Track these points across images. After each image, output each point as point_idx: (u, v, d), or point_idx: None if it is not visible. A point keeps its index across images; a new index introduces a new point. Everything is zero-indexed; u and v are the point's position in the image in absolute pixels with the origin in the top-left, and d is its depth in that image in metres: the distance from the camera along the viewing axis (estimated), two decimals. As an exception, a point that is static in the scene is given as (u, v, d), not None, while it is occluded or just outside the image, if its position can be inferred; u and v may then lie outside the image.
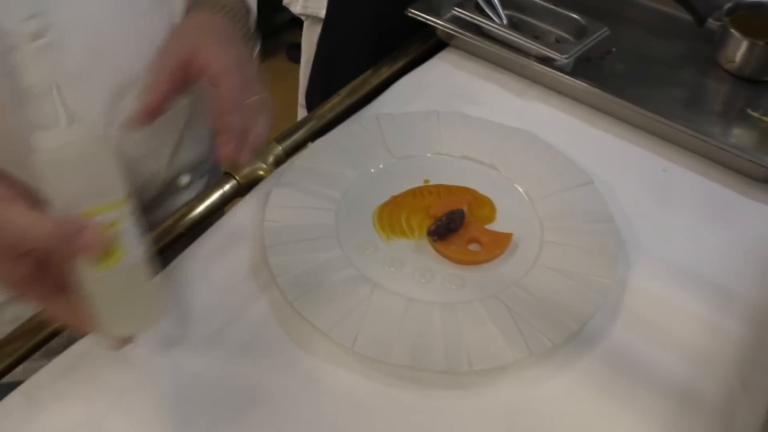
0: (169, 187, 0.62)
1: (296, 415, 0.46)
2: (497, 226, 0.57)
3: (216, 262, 0.54)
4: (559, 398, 0.48)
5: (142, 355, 0.48)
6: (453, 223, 0.55)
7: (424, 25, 0.76)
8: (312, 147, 0.62)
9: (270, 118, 0.47)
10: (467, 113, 0.67)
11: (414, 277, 0.53)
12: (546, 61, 0.72)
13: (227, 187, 0.61)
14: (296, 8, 1.12)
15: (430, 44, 0.78)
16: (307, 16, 1.12)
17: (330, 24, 0.94)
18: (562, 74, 0.70)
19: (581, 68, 0.73)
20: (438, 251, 0.55)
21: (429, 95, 0.71)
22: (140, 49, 0.51)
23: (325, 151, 0.62)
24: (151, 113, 0.46)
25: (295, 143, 0.66)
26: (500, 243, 0.55)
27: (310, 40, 1.13)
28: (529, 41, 0.71)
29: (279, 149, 0.65)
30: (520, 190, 0.60)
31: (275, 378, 0.48)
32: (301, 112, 1.18)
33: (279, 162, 0.64)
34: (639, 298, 0.53)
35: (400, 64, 0.76)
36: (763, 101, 0.72)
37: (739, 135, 0.68)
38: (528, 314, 0.50)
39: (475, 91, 0.72)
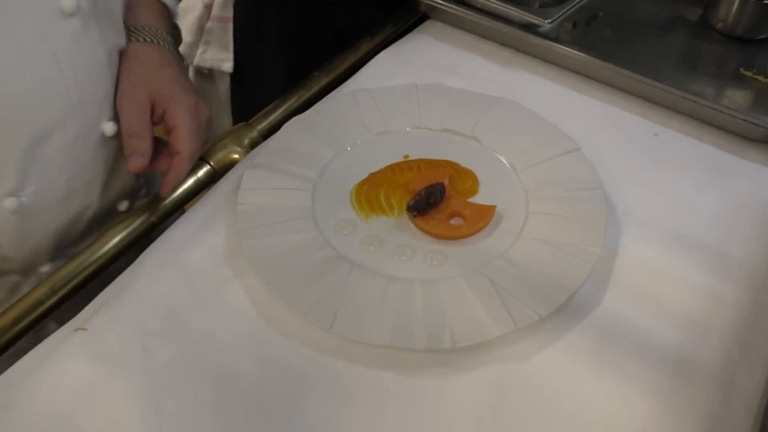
0: (106, 214, 0.61)
1: (274, 401, 0.44)
2: (480, 198, 0.55)
3: (189, 250, 0.52)
4: (548, 372, 0.45)
5: (113, 346, 0.46)
6: (433, 198, 0.53)
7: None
8: (286, 127, 0.60)
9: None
10: (449, 85, 0.64)
11: (394, 255, 0.51)
12: (529, 28, 0.69)
13: (201, 173, 0.59)
14: (194, 60, 0.89)
15: (409, 20, 0.76)
16: (209, 70, 0.90)
17: (241, 72, 0.86)
18: (546, 40, 0.68)
19: (567, 34, 0.70)
20: (419, 227, 0.53)
21: (409, 70, 0.69)
22: (58, 95, 0.50)
23: (300, 131, 0.59)
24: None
25: (271, 125, 0.64)
26: (483, 216, 0.53)
27: (198, 86, 0.92)
28: (511, 8, 0.68)
29: (254, 132, 0.63)
30: (504, 160, 0.58)
31: (251, 364, 0.46)
32: None
33: (254, 144, 0.62)
34: (630, 266, 0.51)
35: (378, 39, 0.74)
36: (756, 60, 0.69)
37: (733, 95, 0.66)
38: (513, 287, 0.48)
39: (457, 63, 0.70)
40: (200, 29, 0.84)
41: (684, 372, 0.45)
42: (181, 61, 0.58)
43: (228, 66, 0.84)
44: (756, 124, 0.60)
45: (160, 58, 0.56)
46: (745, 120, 0.61)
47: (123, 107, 0.53)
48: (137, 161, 0.52)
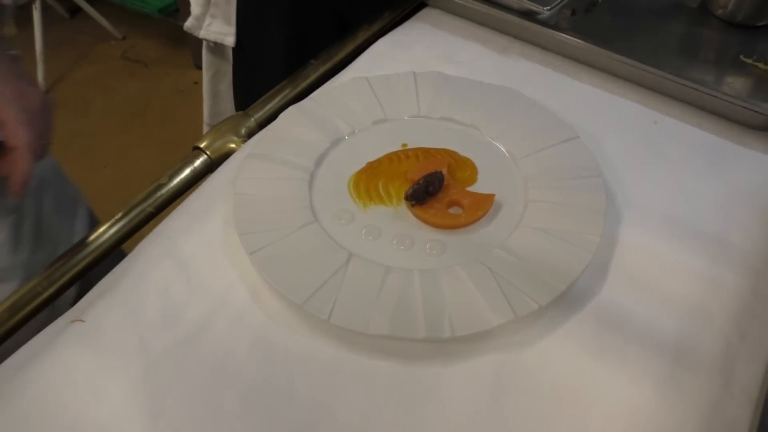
0: None
1: (273, 392, 0.44)
2: (479, 187, 0.55)
3: (186, 240, 0.52)
4: (547, 362, 0.45)
5: (110, 337, 0.46)
6: (431, 187, 0.52)
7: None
8: (283, 116, 0.59)
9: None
10: (447, 73, 0.64)
11: (392, 245, 0.51)
12: (528, 15, 0.69)
13: (197, 162, 0.59)
14: (200, 32, 0.89)
15: (407, 8, 0.75)
16: (217, 45, 0.91)
17: (242, 48, 0.86)
18: (545, 28, 0.67)
19: (566, 22, 0.70)
20: (417, 216, 0.52)
21: (407, 57, 0.68)
22: None
23: (297, 120, 0.59)
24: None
25: (268, 114, 0.63)
26: (482, 205, 0.52)
27: (211, 61, 0.94)
28: (510, -5, 0.68)
29: (251, 120, 0.62)
30: (503, 149, 0.58)
31: (249, 354, 0.45)
32: (205, 128, 1.01)
33: (251, 134, 0.61)
34: (630, 254, 0.51)
35: (375, 27, 0.73)
36: (757, 47, 0.69)
37: (733, 82, 0.65)
38: (513, 276, 0.47)
39: (455, 51, 0.69)
40: (208, 1, 0.84)
41: (684, 360, 0.45)
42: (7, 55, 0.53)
43: (230, 40, 0.85)
44: (756, 111, 0.60)
45: None
46: (745, 107, 0.60)
47: None
48: None
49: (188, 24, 0.87)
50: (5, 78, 0.52)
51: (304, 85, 0.66)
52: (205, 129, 0.92)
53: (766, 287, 0.49)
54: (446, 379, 0.45)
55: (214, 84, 0.94)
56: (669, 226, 0.53)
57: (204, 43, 0.90)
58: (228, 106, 0.94)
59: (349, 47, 0.71)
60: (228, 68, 0.91)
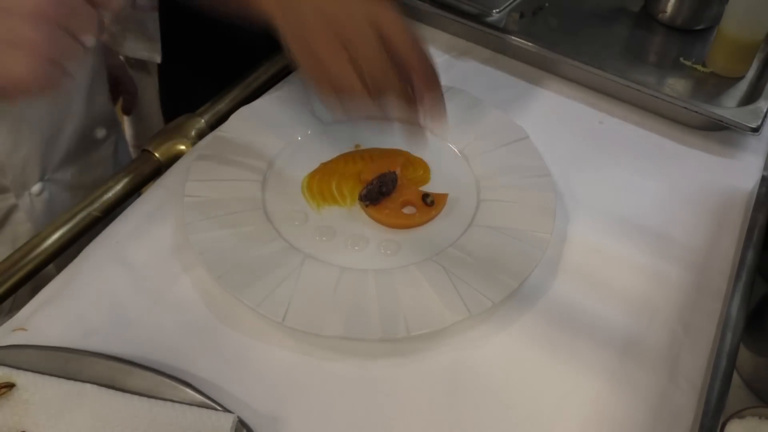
0: (86, 140, 0.64)
1: (228, 397, 0.43)
2: (432, 187, 0.55)
3: (135, 244, 0.51)
4: (502, 358, 0.46)
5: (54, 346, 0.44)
6: (385, 187, 0.52)
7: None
8: (235, 116, 0.58)
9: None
10: (398, 75, 0.64)
11: (347, 245, 0.50)
12: (478, 18, 0.69)
13: (146, 165, 0.57)
14: (124, 51, 0.83)
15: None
16: (135, 60, 0.86)
17: (170, 62, 0.81)
18: (494, 30, 0.68)
19: (514, 24, 0.71)
20: (371, 216, 0.52)
21: (359, 59, 0.68)
22: None
23: (248, 120, 0.58)
24: None
25: (218, 115, 0.62)
26: (435, 204, 0.53)
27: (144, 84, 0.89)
28: (458, -3, 0.69)
29: (201, 122, 0.61)
30: (455, 149, 0.58)
31: (203, 360, 0.45)
32: (132, 152, 0.92)
33: (202, 135, 0.60)
34: (578, 251, 0.52)
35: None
36: (695, 50, 0.72)
37: (674, 84, 0.68)
38: (466, 274, 0.48)
39: (406, 53, 0.70)
40: (126, 17, 0.80)
41: (632, 353, 0.47)
42: None
43: (156, 57, 0.81)
44: (696, 112, 0.62)
45: None
46: (685, 108, 0.62)
47: None
48: None
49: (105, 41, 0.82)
50: None
51: (255, 85, 0.65)
52: (134, 153, 0.88)
53: (707, 280, 0.51)
54: (401, 378, 0.45)
55: (138, 103, 0.90)
56: (615, 222, 0.55)
57: (124, 60, 0.85)
58: (156, 123, 0.90)
59: (301, 48, 0.70)
60: (151, 85, 0.87)
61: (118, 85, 0.82)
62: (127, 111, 0.87)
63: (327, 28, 0.44)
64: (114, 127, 0.71)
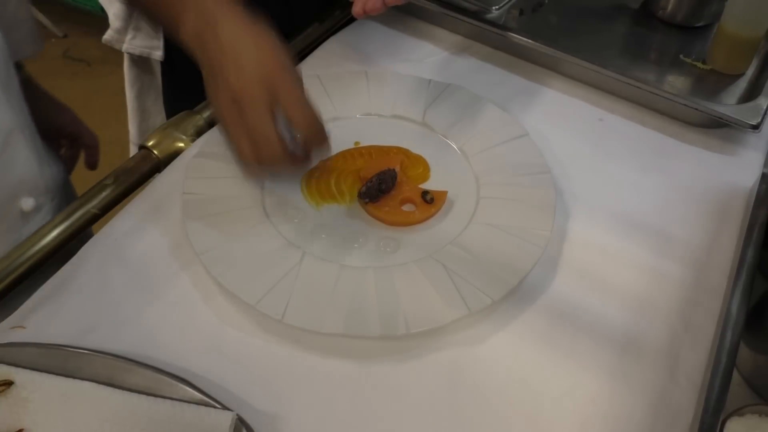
0: (8, 215, 0.55)
1: (227, 395, 0.43)
2: (432, 184, 0.55)
3: (133, 242, 0.51)
4: (501, 355, 0.46)
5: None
6: (384, 184, 0.52)
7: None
8: (233, 114, 0.58)
9: None
10: (399, 72, 0.64)
11: (347, 243, 0.50)
12: (478, 14, 0.69)
13: (144, 162, 0.57)
14: (122, 46, 0.82)
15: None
16: (141, 58, 0.84)
17: (172, 59, 0.81)
18: (494, 27, 0.68)
19: (514, 21, 0.71)
20: (371, 214, 0.52)
21: (359, 56, 0.68)
22: None
23: (247, 118, 0.58)
24: None
25: (217, 112, 0.62)
26: (435, 201, 0.53)
27: (136, 77, 0.87)
28: (459, -5, 0.68)
29: (200, 119, 0.61)
30: (455, 146, 0.58)
31: (202, 358, 0.44)
32: (133, 150, 0.94)
33: (200, 132, 0.60)
34: (578, 248, 0.52)
35: (326, 26, 0.72)
36: (695, 47, 0.71)
37: (673, 81, 0.67)
38: (466, 272, 0.48)
39: (406, 49, 0.70)
40: (130, 14, 0.80)
41: (632, 350, 0.46)
42: None
43: (159, 54, 0.81)
44: (696, 109, 0.62)
45: None
46: (685, 105, 0.62)
47: None
48: None
49: (107, 37, 0.81)
50: None
51: (254, 83, 0.65)
52: (133, 150, 0.87)
53: (707, 278, 0.51)
54: (401, 375, 0.45)
55: (141, 101, 0.88)
56: (615, 219, 0.54)
57: (126, 57, 0.84)
58: (159, 120, 0.89)
59: (299, 46, 0.70)
60: (153, 82, 0.86)
61: (76, 140, 0.72)
62: (91, 166, 0.75)
63: (226, 91, 0.46)
64: (46, 194, 0.58)
